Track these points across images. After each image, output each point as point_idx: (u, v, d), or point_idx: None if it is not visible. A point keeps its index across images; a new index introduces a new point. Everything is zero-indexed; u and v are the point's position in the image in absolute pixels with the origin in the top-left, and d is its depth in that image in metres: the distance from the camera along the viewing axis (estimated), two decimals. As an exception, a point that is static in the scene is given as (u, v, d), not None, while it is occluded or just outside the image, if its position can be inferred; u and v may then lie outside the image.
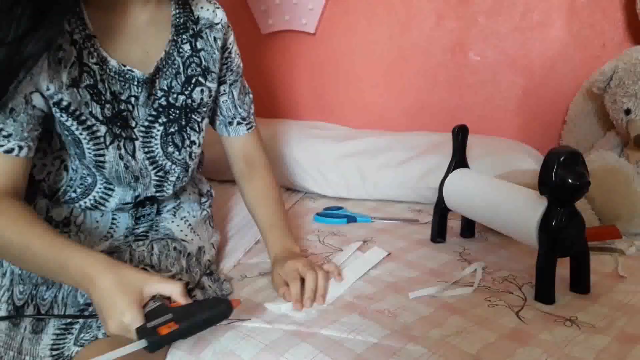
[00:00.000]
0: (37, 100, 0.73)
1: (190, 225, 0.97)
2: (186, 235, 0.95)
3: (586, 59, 1.43)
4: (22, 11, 0.65)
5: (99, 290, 0.67)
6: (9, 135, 0.71)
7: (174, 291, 0.71)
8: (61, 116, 0.76)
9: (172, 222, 0.96)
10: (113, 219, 0.91)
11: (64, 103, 0.76)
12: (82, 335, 0.75)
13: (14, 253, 0.71)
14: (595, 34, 1.41)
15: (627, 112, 1.20)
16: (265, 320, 0.80)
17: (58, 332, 0.77)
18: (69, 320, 0.78)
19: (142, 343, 0.65)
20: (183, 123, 0.89)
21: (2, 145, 0.71)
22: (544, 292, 0.82)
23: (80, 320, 0.77)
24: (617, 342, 0.71)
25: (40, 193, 0.87)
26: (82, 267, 0.68)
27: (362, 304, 0.83)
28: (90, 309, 0.77)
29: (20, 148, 0.73)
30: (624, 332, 0.73)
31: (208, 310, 0.71)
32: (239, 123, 1.01)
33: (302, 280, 0.85)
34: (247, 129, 1.02)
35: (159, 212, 0.96)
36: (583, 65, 1.43)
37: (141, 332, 0.66)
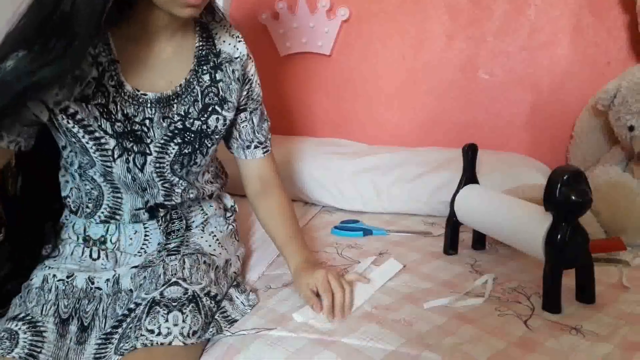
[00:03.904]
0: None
1: (217, 239, 1.03)
2: (214, 249, 1.01)
3: (592, 76, 1.47)
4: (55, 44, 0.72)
5: None
6: None
7: None
8: (68, 122, 0.82)
9: (202, 237, 1.01)
10: (145, 235, 0.97)
11: (71, 110, 0.82)
12: (121, 345, 0.81)
13: None
14: (600, 52, 1.46)
15: (631, 128, 1.24)
16: (290, 329, 0.85)
17: (100, 342, 0.84)
18: (108, 330, 0.85)
19: None
20: (196, 146, 0.94)
21: None
22: (551, 302, 0.86)
23: (119, 331, 0.84)
24: (620, 349, 0.76)
25: (68, 209, 0.94)
26: None
27: (380, 314, 0.88)
28: (131, 317, 0.83)
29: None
30: (626, 340, 0.78)
31: None
32: (256, 147, 1.05)
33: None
34: (263, 153, 1.07)
35: (188, 228, 1.02)
36: (589, 82, 1.47)
37: None
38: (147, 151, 0.89)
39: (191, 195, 0.99)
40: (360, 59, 1.74)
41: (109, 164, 0.86)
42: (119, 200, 0.92)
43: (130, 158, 0.88)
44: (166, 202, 0.96)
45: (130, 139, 0.87)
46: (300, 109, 1.87)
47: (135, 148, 0.88)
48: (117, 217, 0.94)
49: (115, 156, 0.86)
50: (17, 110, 0.77)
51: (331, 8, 1.71)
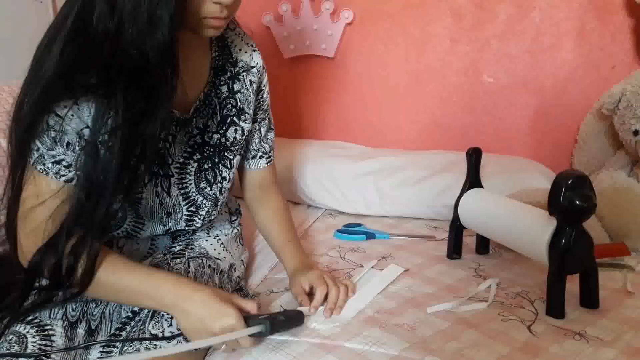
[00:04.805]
0: (88, 134, 0.77)
1: (222, 243, 1.03)
2: (219, 253, 1.01)
3: (596, 80, 1.47)
4: (124, 95, 0.70)
5: (197, 303, 0.76)
6: (69, 166, 0.76)
7: (253, 307, 0.81)
8: None
9: (206, 240, 1.02)
10: (152, 240, 0.97)
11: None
12: (125, 348, 0.81)
13: (103, 289, 0.78)
14: (604, 56, 1.46)
15: (636, 133, 1.24)
16: (292, 333, 0.85)
17: (104, 344, 0.84)
18: (113, 332, 0.84)
19: (261, 327, 0.77)
20: (216, 160, 0.94)
21: (63, 175, 0.76)
22: (555, 307, 0.86)
23: (124, 334, 0.84)
24: (624, 355, 0.75)
25: None
26: (175, 288, 0.78)
27: (383, 318, 0.88)
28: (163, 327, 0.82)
29: (78, 177, 0.78)
30: (630, 346, 0.78)
31: (289, 313, 0.85)
32: (260, 157, 1.06)
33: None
34: (267, 163, 1.07)
35: (194, 231, 1.02)
36: (593, 87, 1.47)
37: (252, 322, 0.77)
38: (170, 173, 0.89)
39: (212, 217, 0.99)
40: (364, 62, 1.74)
41: (139, 189, 0.86)
42: (140, 226, 0.92)
43: (158, 182, 0.88)
44: (187, 228, 0.97)
45: (156, 162, 0.87)
46: (303, 111, 1.87)
47: (160, 171, 0.88)
48: (135, 238, 0.94)
49: (146, 181, 0.87)
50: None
51: (335, 11, 1.71)
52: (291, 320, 0.84)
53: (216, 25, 0.78)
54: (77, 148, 0.76)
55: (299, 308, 0.90)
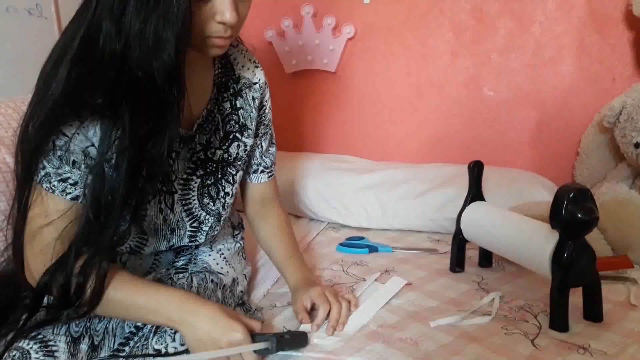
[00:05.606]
0: (93, 152, 0.77)
1: (225, 258, 1.03)
2: (222, 268, 1.01)
3: (597, 93, 1.48)
4: (131, 116, 0.71)
5: (205, 317, 0.77)
6: (75, 184, 0.76)
7: (258, 325, 0.82)
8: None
9: (209, 255, 1.02)
10: (156, 255, 0.97)
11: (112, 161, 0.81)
12: (129, 362, 0.81)
13: (111, 306, 0.78)
14: (604, 69, 1.47)
15: (637, 145, 1.24)
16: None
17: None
18: (116, 348, 0.84)
19: (267, 344, 0.78)
20: (219, 176, 0.95)
21: (69, 193, 0.76)
22: (558, 321, 0.86)
23: (127, 350, 0.83)
24: (628, 368, 0.75)
25: None
26: (182, 303, 0.78)
27: (386, 333, 0.88)
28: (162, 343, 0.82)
29: (85, 195, 0.78)
30: (634, 359, 0.77)
31: (294, 333, 0.85)
32: (262, 171, 1.06)
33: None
34: (268, 177, 1.08)
35: (197, 246, 1.02)
36: (594, 99, 1.48)
37: (258, 339, 0.79)
38: (173, 189, 0.90)
39: (215, 233, 1.00)
40: (366, 76, 1.75)
41: (144, 206, 0.87)
42: (143, 242, 0.92)
43: (162, 199, 0.89)
44: (190, 243, 0.97)
45: (160, 179, 0.87)
46: (305, 125, 1.88)
47: (164, 188, 0.88)
48: (139, 254, 0.94)
49: (149, 198, 0.87)
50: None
51: (336, 26, 1.73)
52: (296, 339, 0.84)
53: (220, 44, 0.79)
54: (83, 166, 0.76)
55: (302, 327, 0.90)
